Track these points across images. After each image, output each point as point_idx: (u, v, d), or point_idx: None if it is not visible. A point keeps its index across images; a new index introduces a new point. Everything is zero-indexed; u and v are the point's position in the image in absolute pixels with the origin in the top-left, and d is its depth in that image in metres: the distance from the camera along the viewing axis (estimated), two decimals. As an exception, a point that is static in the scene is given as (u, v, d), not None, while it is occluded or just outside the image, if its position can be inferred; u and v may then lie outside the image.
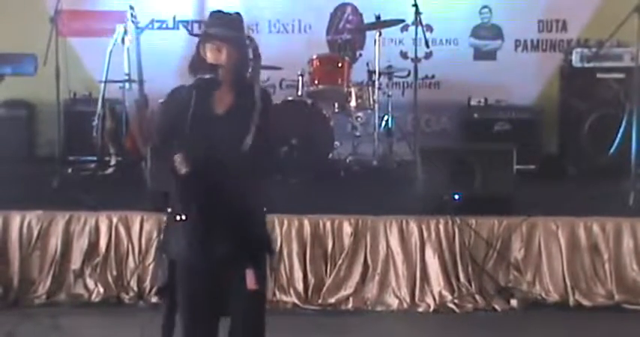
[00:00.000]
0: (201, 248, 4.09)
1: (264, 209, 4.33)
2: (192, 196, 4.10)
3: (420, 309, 6.50)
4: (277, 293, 6.50)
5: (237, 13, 4.34)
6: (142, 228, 6.65)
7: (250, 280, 4.11)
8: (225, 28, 4.23)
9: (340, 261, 6.59)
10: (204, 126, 4.11)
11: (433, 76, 9.92)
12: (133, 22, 8.76)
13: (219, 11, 4.36)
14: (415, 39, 8.82)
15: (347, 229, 6.62)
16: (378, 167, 8.74)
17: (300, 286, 6.56)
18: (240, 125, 4.12)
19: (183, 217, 4.11)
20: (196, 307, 4.19)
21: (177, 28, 9.97)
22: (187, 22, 9.91)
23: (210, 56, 4.19)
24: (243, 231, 4.13)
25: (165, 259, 4.34)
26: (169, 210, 4.21)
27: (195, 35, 4.40)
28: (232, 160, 4.09)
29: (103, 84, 8.63)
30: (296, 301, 6.51)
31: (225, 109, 4.20)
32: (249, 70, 4.24)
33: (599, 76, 8.93)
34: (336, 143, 8.56)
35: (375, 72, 8.86)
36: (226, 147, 4.10)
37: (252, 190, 4.21)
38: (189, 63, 4.25)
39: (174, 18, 9.98)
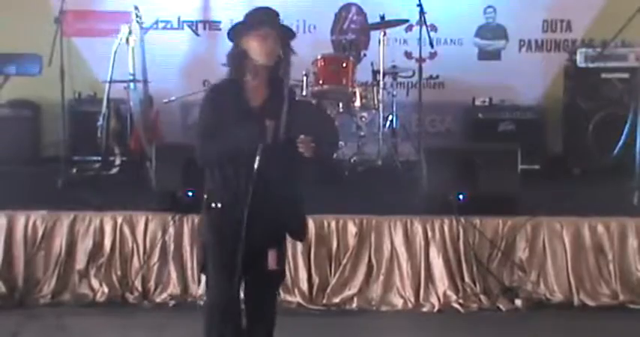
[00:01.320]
0: (234, 234, 4.24)
1: (303, 199, 4.57)
2: (231, 185, 4.30)
3: (425, 309, 6.50)
4: (282, 292, 6.49)
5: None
6: (147, 228, 6.66)
7: (272, 260, 4.36)
8: (271, 19, 4.33)
9: (345, 261, 6.59)
10: (242, 119, 4.25)
11: (437, 76, 9.92)
12: (137, 22, 8.81)
13: (261, 7, 4.44)
14: (419, 39, 8.81)
15: (351, 229, 6.62)
16: (382, 167, 8.73)
17: (304, 286, 6.56)
18: (274, 117, 4.24)
19: (219, 205, 4.34)
20: (223, 279, 4.36)
21: (182, 29, 9.96)
22: (192, 22, 9.91)
23: (254, 44, 4.26)
24: (280, 217, 4.38)
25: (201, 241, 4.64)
26: (205, 196, 4.39)
27: (235, 26, 4.42)
28: (271, 151, 4.21)
29: (107, 85, 8.63)
30: (300, 301, 6.51)
31: (260, 102, 4.35)
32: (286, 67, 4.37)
33: (603, 75, 8.93)
34: (341, 143, 8.56)
35: (379, 72, 8.86)
36: (264, 138, 4.22)
37: (290, 181, 4.44)
38: (228, 58, 4.36)
39: (178, 18, 9.97)
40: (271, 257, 4.36)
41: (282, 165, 4.29)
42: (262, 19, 4.31)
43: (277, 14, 4.39)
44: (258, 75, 4.33)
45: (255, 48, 4.27)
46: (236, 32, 4.37)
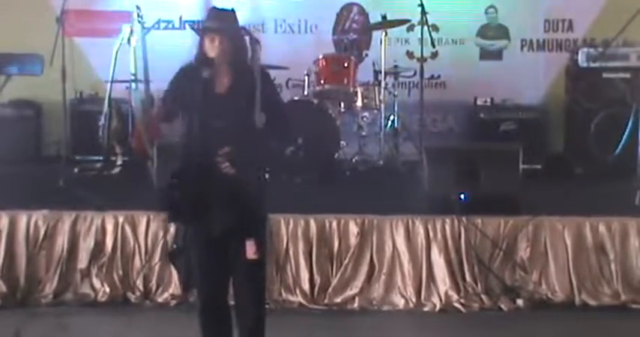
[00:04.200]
0: (199, 217, 4.53)
1: (264, 186, 4.65)
2: (193, 167, 4.57)
3: (426, 309, 6.49)
4: (283, 292, 6.50)
5: (231, 9, 4.75)
6: (149, 228, 6.66)
7: (250, 250, 4.49)
8: (217, 21, 4.67)
9: (346, 261, 6.59)
10: (207, 104, 4.56)
11: (439, 76, 9.94)
12: (139, 22, 8.78)
13: (214, 7, 4.85)
14: (421, 39, 8.83)
15: (353, 229, 6.62)
16: (383, 167, 8.75)
17: (306, 286, 6.55)
18: (242, 102, 4.52)
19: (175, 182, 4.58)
20: (204, 269, 4.64)
21: (184, 28, 9.99)
22: (193, 22, 9.91)
23: (207, 47, 4.61)
24: (240, 204, 4.48)
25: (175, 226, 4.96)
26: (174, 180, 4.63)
27: (195, 30, 5.01)
28: (237, 134, 4.48)
29: (109, 84, 8.65)
30: (302, 301, 6.50)
31: (225, 89, 4.63)
32: (249, 54, 4.64)
33: (605, 75, 8.94)
34: (342, 143, 8.57)
35: (381, 72, 8.88)
36: (230, 122, 4.52)
37: (252, 168, 4.56)
38: (194, 58, 4.69)
39: (180, 18, 10.00)
40: (249, 247, 4.49)
41: (253, 148, 4.52)
42: (210, 26, 4.66)
43: (228, 15, 4.71)
44: (218, 66, 4.61)
45: (207, 46, 4.63)
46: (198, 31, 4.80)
